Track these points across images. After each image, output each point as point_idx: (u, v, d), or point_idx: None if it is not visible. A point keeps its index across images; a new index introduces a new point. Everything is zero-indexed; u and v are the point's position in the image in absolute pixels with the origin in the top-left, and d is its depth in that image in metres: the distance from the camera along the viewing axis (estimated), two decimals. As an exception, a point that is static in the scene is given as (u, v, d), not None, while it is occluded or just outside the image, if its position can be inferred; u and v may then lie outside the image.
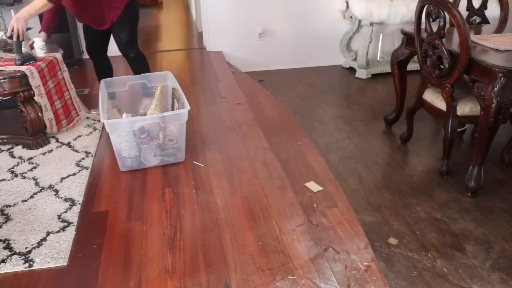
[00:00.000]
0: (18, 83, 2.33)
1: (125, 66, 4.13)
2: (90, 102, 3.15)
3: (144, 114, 2.63)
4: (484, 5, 3.11)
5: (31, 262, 1.62)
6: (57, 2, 2.38)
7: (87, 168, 2.27)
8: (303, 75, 4.56)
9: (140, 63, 3.00)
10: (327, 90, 4.08)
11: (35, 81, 2.39)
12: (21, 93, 2.36)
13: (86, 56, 4.51)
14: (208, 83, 3.65)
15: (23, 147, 2.50)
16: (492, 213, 2.24)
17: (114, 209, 1.93)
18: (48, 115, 2.52)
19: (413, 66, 4.00)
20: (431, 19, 2.43)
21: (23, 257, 1.65)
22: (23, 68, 2.36)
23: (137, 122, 2.09)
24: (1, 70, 2.35)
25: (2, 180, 2.19)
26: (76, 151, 2.46)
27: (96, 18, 2.68)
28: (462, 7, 2.93)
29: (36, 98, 2.44)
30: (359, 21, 4.40)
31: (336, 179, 2.33)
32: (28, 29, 2.38)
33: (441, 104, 2.55)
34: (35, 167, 2.30)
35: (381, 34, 4.65)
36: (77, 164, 2.31)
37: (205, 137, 2.62)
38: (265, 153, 2.43)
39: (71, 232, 1.78)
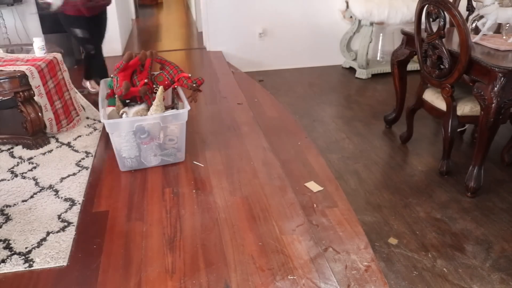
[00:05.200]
0: (18, 83, 2.33)
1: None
2: (92, 102, 3.15)
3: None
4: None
5: (31, 262, 1.62)
6: None
7: (87, 168, 2.27)
8: (303, 75, 4.57)
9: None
10: (327, 90, 4.08)
11: (35, 81, 2.39)
12: (21, 93, 2.36)
13: (86, 56, 4.52)
14: (208, 83, 3.64)
15: (23, 147, 2.50)
16: (492, 213, 2.24)
17: (114, 209, 1.93)
18: (48, 115, 2.52)
19: (413, 66, 4.00)
20: (431, 19, 2.43)
21: (23, 257, 1.65)
22: (23, 68, 2.36)
23: (137, 122, 2.09)
24: (1, 70, 2.35)
25: (2, 180, 2.19)
26: (76, 151, 2.46)
27: None
28: (462, 7, 2.93)
29: (36, 98, 2.44)
30: (359, 21, 4.40)
31: (336, 179, 2.33)
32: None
33: (441, 104, 2.55)
34: (35, 167, 2.30)
35: (381, 34, 4.65)
36: (77, 164, 2.31)
37: (205, 137, 2.62)
38: (265, 153, 2.43)
39: (71, 232, 1.78)
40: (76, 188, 2.09)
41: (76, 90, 2.99)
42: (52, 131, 2.58)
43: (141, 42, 5.63)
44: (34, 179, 2.18)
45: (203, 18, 4.72)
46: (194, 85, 2.36)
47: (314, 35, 4.69)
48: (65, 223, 1.83)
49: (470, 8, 3.03)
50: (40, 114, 2.45)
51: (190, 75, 2.35)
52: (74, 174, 2.22)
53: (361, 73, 4.41)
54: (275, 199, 2.00)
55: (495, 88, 2.13)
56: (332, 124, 3.32)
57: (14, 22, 4.17)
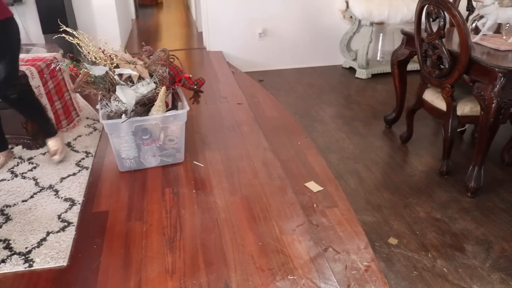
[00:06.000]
0: (18, 83, 2.32)
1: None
2: (90, 102, 3.15)
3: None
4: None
5: (31, 262, 1.62)
6: None
7: (87, 168, 2.27)
8: (303, 75, 4.57)
9: (28, 106, 2.15)
10: (327, 90, 4.08)
11: (35, 81, 2.39)
12: (21, 93, 2.36)
13: (86, 56, 4.52)
14: (208, 83, 3.64)
15: (23, 147, 2.50)
16: (492, 213, 2.24)
17: (114, 209, 1.93)
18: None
19: (413, 66, 4.00)
20: (431, 19, 2.43)
21: (23, 257, 1.65)
22: (23, 68, 2.36)
23: (136, 123, 2.09)
24: (1, 70, 2.34)
25: (2, 180, 2.19)
26: (76, 151, 2.46)
27: None
28: (462, 7, 2.93)
29: (36, 98, 2.44)
30: (359, 21, 4.40)
31: (336, 179, 2.33)
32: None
33: (441, 104, 2.55)
34: (35, 167, 2.30)
35: (381, 34, 4.65)
36: (77, 164, 2.31)
37: (205, 137, 2.62)
38: (265, 153, 2.43)
39: (71, 232, 1.78)
40: (76, 188, 2.09)
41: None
42: (52, 131, 2.58)
43: (141, 42, 5.62)
44: (34, 179, 2.18)
45: (203, 18, 4.72)
46: (195, 86, 2.36)
47: (314, 35, 4.69)
48: (65, 223, 1.83)
49: (470, 8, 3.03)
50: (40, 114, 2.45)
51: (191, 76, 2.35)
52: (74, 174, 2.22)
53: (361, 73, 4.41)
54: (275, 199, 2.00)
55: (495, 88, 2.13)
56: (332, 124, 3.32)
57: (14, 22, 4.17)
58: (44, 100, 2.47)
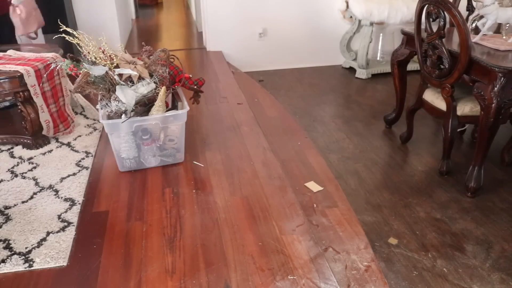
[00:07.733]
0: (18, 83, 2.32)
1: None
2: (90, 102, 3.15)
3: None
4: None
5: (31, 262, 1.62)
6: None
7: (87, 168, 2.27)
8: (303, 75, 4.57)
9: None
10: (327, 90, 4.08)
11: (30, 80, 2.37)
12: (21, 93, 2.36)
13: (86, 56, 4.52)
14: (208, 83, 3.64)
15: (23, 147, 2.49)
16: (492, 213, 2.24)
17: (114, 209, 1.93)
18: (44, 117, 2.50)
19: (413, 66, 4.00)
20: (431, 19, 2.43)
21: (23, 257, 1.65)
22: (19, 68, 2.35)
23: (136, 123, 2.08)
24: (1, 70, 2.34)
25: (2, 180, 2.18)
26: (76, 151, 2.46)
27: None
28: (462, 7, 2.93)
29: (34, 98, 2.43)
30: (359, 21, 4.40)
31: (336, 179, 2.33)
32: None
33: (441, 104, 2.55)
34: (35, 167, 2.30)
35: (381, 34, 4.65)
36: (77, 164, 2.31)
37: (205, 137, 2.62)
38: (265, 153, 2.43)
39: (71, 232, 1.78)
40: (76, 188, 2.09)
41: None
42: (48, 133, 2.57)
43: (141, 42, 5.62)
44: (34, 179, 2.18)
45: (203, 18, 4.72)
46: (195, 86, 2.35)
47: (314, 35, 4.69)
48: (65, 223, 1.83)
49: (470, 8, 3.03)
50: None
51: (191, 76, 2.35)
52: (74, 174, 2.22)
53: (361, 73, 4.41)
54: (275, 199, 2.00)
55: (495, 88, 2.13)
56: (332, 124, 3.32)
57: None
58: (40, 100, 2.46)
